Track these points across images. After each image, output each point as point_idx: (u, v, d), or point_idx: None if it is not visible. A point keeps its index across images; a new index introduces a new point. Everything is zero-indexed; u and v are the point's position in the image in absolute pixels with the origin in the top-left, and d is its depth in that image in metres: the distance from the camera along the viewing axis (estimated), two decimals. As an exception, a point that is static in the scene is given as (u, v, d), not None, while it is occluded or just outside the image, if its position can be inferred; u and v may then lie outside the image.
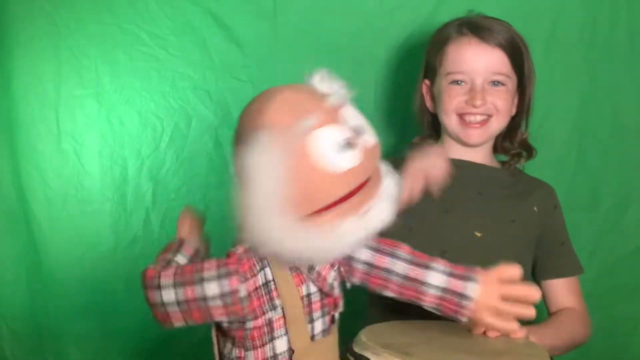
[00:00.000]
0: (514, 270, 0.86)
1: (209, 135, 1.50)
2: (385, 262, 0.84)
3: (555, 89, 1.47)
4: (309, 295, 0.83)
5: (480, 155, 1.28)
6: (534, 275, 1.28)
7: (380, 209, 0.78)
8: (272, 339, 0.82)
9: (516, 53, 1.24)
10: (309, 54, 1.47)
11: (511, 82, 1.24)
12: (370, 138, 0.78)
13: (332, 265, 0.85)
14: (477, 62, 1.22)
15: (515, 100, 1.28)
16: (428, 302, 0.85)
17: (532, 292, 0.86)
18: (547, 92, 1.47)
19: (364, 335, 0.93)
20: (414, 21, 1.45)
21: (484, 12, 1.40)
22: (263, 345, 0.82)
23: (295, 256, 0.76)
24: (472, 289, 0.83)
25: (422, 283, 0.84)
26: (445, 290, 0.84)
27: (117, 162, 1.49)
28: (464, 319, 0.86)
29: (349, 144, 0.75)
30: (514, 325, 0.88)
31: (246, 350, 0.83)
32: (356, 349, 0.90)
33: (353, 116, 0.79)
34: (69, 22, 1.45)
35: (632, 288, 1.49)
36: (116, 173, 1.49)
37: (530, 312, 0.87)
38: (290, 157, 0.73)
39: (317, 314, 0.84)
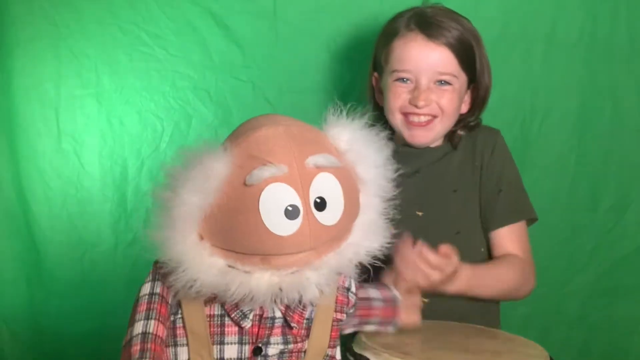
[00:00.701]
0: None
1: (209, 135, 1.50)
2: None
3: (555, 89, 1.47)
4: (220, 316, 0.79)
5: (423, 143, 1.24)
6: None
7: (310, 280, 0.73)
8: (173, 344, 0.80)
9: (465, 52, 1.19)
10: (309, 54, 1.48)
11: (459, 82, 1.20)
12: (329, 218, 0.71)
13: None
14: (423, 60, 1.17)
15: (467, 98, 1.24)
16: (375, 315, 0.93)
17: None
18: (547, 92, 1.47)
19: (363, 336, 0.93)
20: (414, 21, 1.45)
21: (484, 13, 1.40)
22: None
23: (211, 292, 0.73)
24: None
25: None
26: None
27: (117, 162, 1.49)
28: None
29: (294, 213, 0.70)
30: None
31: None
32: (356, 349, 0.91)
33: (325, 188, 0.72)
34: (69, 22, 1.45)
35: (632, 288, 1.49)
36: (116, 173, 1.49)
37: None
38: (237, 199, 0.71)
39: (230, 338, 0.79)
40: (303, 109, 1.49)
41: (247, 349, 0.78)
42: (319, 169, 0.72)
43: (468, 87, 1.23)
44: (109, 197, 1.49)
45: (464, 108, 1.25)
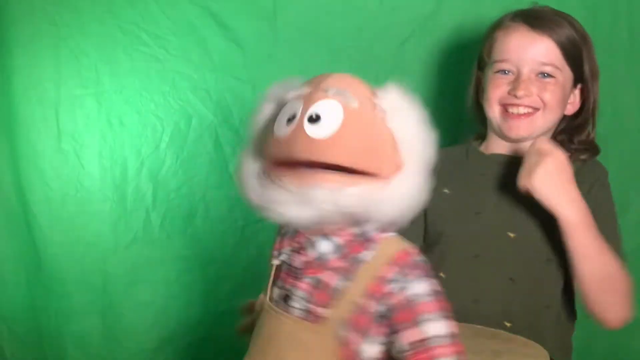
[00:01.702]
0: None
1: (209, 135, 1.50)
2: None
3: (555, 89, 1.46)
4: (282, 263, 0.83)
5: (527, 148, 1.15)
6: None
7: (328, 196, 0.72)
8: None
9: (571, 46, 1.15)
10: (309, 54, 1.47)
11: (562, 76, 1.16)
12: (321, 130, 0.73)
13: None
14: (524, 50, 1.14)
15: (575, 99, 1.20)
16: None
17: None
18: (547, 92, 1.47)
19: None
20: (414, 21, 1.45)
21: (484, 13, 1.40)
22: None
23: (260, 207, 0.77)
24: None
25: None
26: None
27: (117, 162, 1.49)
28: None
29: (290, 120, 0.75)
30: None
31: None
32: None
33: (326, 109, 0.76)
34: (69, 22, 1.45)
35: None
36: (116, 173, 1.49)
37: None
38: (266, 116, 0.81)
39: (278, 282, 0.83)
40: (303, 109, 1.50)
41: (282, 294, 0.81)
42: (332, 96, 0.77)
43: (574, 87, 1.19)
44: (109, 197, 1.49)
45: (571, 109, 1.21)
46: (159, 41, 1.47)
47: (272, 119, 0.79)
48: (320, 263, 0.78)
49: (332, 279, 0.77)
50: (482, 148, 1.25)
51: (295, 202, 0.73)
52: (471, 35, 1.43)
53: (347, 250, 0.77)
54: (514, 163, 1.14)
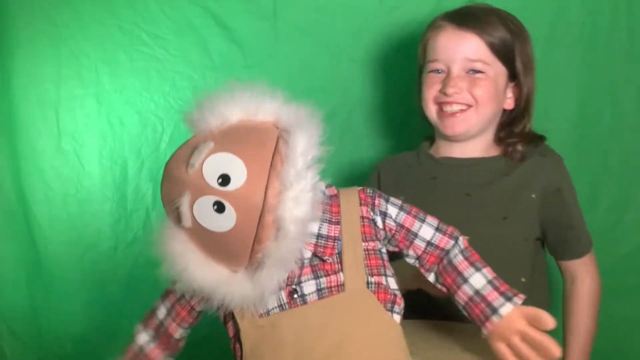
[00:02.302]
0: (545, 318, 0.82)
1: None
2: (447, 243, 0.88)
3: (555, 89, 1.47)
4: None
5: (472, 148, 1.21)
6: (552, 254, 1.24)
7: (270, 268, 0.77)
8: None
9: (499, 41, 1.16)
10: (309, 54, 1.47)
11: (493, 71, 1.16)
12: (237, 180, 0.74)
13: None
14: (452, 48, 1.16)
15: (510, 93, 1.21)
16: (460, 297, 0.86)
17: (551, 348, 0.81)
18: (547, 92, 1.47)
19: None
20: (414, 21, 1.45)
21: (483, 12, 1.39)
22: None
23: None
24: (506, 308, 0.83)
25: (463, 279, 0.86)
26: (478, 294, 0.85)
27: (117, 162, 1.49)
28: (485, 331, 0.84)
29: (219, 208, 0.74)
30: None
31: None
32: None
33: (214, 168, 0.75)
34: (69, 22, 1.45)
35: (632, 288, 1.49)
36: (116, 173, 1.49)
37: None
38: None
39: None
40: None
41: (284, 294, 0.83)
42: (200, 168, 0.77)
43: (511, 81, 1.20)
44: (109, 197, 1.49)
45: (510, 103, 1.21)
46: (159, 41, 1.47)
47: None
48: (324, 240, 0.83)
49: (332, 231, 0.84)
50: (432, 151, 1.25)
51: None
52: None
53: (329, 214, 0.84)
54: (464, 166, 1.19)
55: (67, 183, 1.48)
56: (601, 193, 1.48)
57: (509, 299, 0.84)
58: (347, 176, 1.51)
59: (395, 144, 1.48)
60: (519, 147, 1.20)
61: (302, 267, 0.83)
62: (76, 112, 1.47)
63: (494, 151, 1.23)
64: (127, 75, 1.47)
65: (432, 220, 0.89)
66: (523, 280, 1.17)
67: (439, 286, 0.89)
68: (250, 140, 0.78)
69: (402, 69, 1.47)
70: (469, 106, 1.17)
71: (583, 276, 1.23)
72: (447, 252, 0.88)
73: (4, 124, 1.47)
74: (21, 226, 1.49)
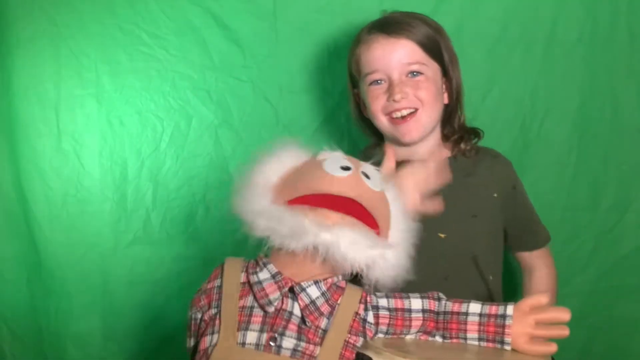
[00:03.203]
0: (542, 298, 0.93)
1: (209, 135, 1.50)
2: (435, 304, 0.96)
3: (555, 89, 1.47)
4: (250, 307, 0.92)
5: (426, 150, 1.25)
6: (510, 247, 1.32)
7: (347, 239, 0.87)
8: (211, 332, 0.92)
9: (429, 41, 1.21)
10: (309, 54, 1.47)
11: (431, 70, 1.21)
12: (372, 185, 0.93)
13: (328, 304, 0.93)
14: (388, 57, 1.19)
15: (444, 88, 1.25)
16: (471, 330, 0.93)
17: (562, 314, 0.93)
18: (547, 92, 1.47)
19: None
20: (414, 21, 1.45)
21: (484, 13, 1.40)
22: (204, 336, 0.92)
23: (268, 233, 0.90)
24: (509, 308, 0.93)
25: (464, 314, 0.93)
26: (483, 315, 0.92)
27: (117, 162, 1.49)
28: (508, 339, 0.91)
29: (346, 169, 0.91)
30: (551, 348, 0.92)
31: (196, 337, 0.95)
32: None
33: (371, 173, 0.94)
34: (69, 22, 1.45)
35: (632, 288, 1.49)
36: (116, 173, 1.49)
37: (564, 332, 0.93)
38: (298, 159, 0.97)
39: (254, 326, 0.91)
40: (303, 109, 1.50)
41: (264, 337, 0.89)
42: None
43: (444, 77, 1.25)
44: (109, 197, 1.49)
45: (447, 98, 1.26)
46: (159, 41, 1.47)
47: (308, 167, 0.95)
48: (314, 307, 0.91)
49: (321, 321, 0.91)
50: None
51: (313, 234, 0.86)
52: (471, 35, 1.43)
53: (329, 296, 0.92)
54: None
55: (67, 183, 1.48)
56: (601, 193, 1.48)
57: (505, 304, 0.93)
58: (347, 176, 1.51)
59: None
60: (464, 144, 1.27)
61: (289, 321, 0.90)
62: (76, 112, 1.47)
63: (445, 152, 1.28)
64: (127, 75, 1.47)
65: (412, 294, 0.97)
66: (491, 278, 1.23)
67: (447, 341, 0.95)
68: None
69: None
70: (416, 109, 1.21)
71: (541, 266, 1.32)
72: (437, 312, 0.95)
73: (4, 124, 1.47)
74: (21, 226, 1.49)
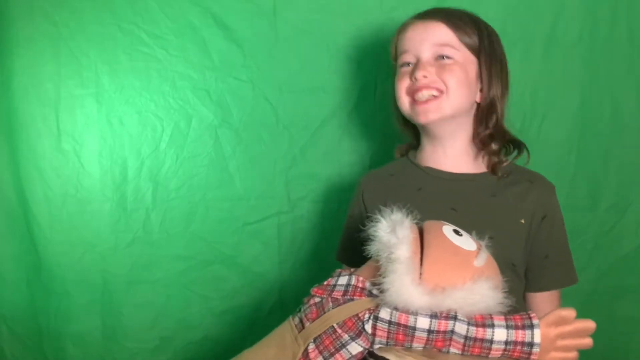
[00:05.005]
0: (568, 313, 0.92)
1: (209, 135, 1.50)
2: (447, 325, 0.90)
3: (555, 89, 1.47)
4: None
5: (460, 162, 1.18)
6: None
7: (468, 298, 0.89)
8: None
9: (465, 27, 1.15)
10: (309, 54, 1.47)
11: (461, 57, 1.15)
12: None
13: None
14: (419, 37, 1.16)
15: (479, 85, 1.18)
16: (495, 355, 0.90)
17: (587, 325, 0.93)
18: (547, 92, 1.47)
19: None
20: (414, 21, 1.45)
21: (484, 12, 1.40)
22: None
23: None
24: (537, 335, 0.89)
25: (489, 341, 0.89)
26: (509, 342, 0.89)
27: (117, 162, 1.49)
28: None
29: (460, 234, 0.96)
30: (574, 354, 0.93)
31: None
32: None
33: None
34: (69, 22, 1.45)
35: (632, 288, 1.49)
36: (116, 173, 1.49)
37: (587, 342, 0.93)
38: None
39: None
40: (303, 109, 1.49)
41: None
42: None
43: (482, 73, 1.18)
44: (109, 197, 1.49)
45: (480, 96, 1.18)
46: (159, 41, 1.47)
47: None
48: (330, 289, 0.95)
49: (327, 304, 0.94)
50: (418, 160, 1.23)
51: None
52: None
53: (352, 291, 0.95)
54: (450, 180, 1.17)
55: (67, 183, 1.48)
56: (601, 193, 1.48)
57: (531, 327, 0.89)
58: (347, 176, 1.51)
59: (394, 144, 1.47)
60: (498, 155, 1.18)
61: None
62: (76, 112, 1.47)
63: (481, 167, 1.20)
64: (127, 75, 1.47)
65: (422, 311, 0.92)
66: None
67: (468, 356, 0.92)
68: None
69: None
70: (440, 92, 1.14)
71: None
72: (452, 331, 0.89)
73: (4, 124, 1.47)
74: (21, 226, 1.49)
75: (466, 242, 0.96)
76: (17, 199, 1.48)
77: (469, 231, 1.06)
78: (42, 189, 1.47)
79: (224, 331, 1.54)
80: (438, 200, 1.16)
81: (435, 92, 1.14)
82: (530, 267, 1.18)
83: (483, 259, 0.94)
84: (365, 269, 0.98)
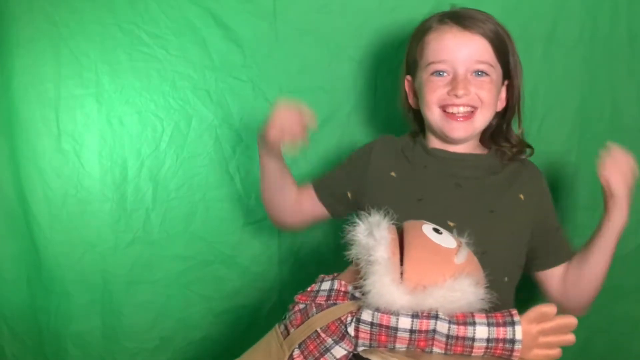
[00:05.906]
0: (549, 309, 0.92)
1: (209, 135, 1.50)
2: (429, 324, 0.90)
3: (555, 89, 1.47)
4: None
5: (465, 145, 1.23)
6: (533, 265, 1.24)
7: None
8: None
9: (500, 43, 1.18)
10: (309, 54, 1.47)
11: (495, 73, 1.19)
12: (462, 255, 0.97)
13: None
14: (459, 50, 1.16)
15: (502, 95, 1.24)
16: (477, 353, 0.90)
17: (569, 321, 0.92)
18: (547, 92, 1.47)
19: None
20: (413, 21, 1.45)
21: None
22: None
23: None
24: (518, 332, 0.89)
25: (470, 339, 0.90)
26: (490, 340, 0.90)
27: (117, 162, 1.49)
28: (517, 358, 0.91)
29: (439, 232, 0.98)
30: (557, 351, 0.93)
31: None
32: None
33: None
34: (69, 22, 1.45)
35: (632, 288, 1.49)
36: (116, 173, 1.49)
37: (570, 338, 0.93)
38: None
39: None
40: (303, 109, 1.49)
41: None
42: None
43: (502, 83, 1.23)
44: (109, 197, 1.49)
45: (500, 105, 1.24)
46: (159, 41, 1.47)
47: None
48: (314, 295, 0.97)
49: (311, 309, 0.95)
50: (425, 142, 1.27)
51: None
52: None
53: (334, 295, 0.96)
54: (454, 159, 1.21)
55: (67, 183, 1.48)
56: (601, 193, 1.48)
57: (512, 324, 0.90)
58: (347, 176, 1.51)
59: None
60: (508, 149, 1.25)
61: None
62: (76, 112, 1.47)
63: (480, 150, 1.26)
64: (127, 75, 1.47)
65: (403, 311, 0.92)
66: (506, 279, 1.18)
67: (451, 355, 0.93)
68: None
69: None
70: (474, 108, 1.18)
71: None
72: (434, 331, 0.90)
73: (4, 124, 1.47)
74: (21, 226, 1.49)
75: (446, 240, 0.97)
76: (17, 199, 1.48)
77: (473, 206, 1.13)
78: (42, 188, 1.47)
79: (224, 331, 1.54)
80: (443, 176, 1.20)
81: (469, 108, 1.17)
82: (545, 243, 1.22)
83: (463, 256, 0.94)
84: (347, 273, 0.99)
